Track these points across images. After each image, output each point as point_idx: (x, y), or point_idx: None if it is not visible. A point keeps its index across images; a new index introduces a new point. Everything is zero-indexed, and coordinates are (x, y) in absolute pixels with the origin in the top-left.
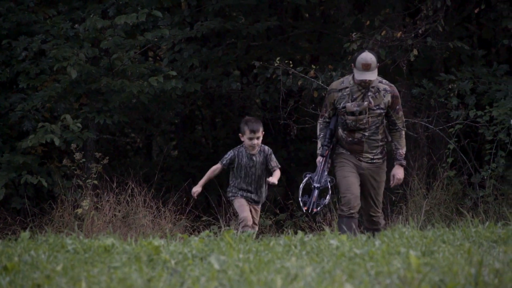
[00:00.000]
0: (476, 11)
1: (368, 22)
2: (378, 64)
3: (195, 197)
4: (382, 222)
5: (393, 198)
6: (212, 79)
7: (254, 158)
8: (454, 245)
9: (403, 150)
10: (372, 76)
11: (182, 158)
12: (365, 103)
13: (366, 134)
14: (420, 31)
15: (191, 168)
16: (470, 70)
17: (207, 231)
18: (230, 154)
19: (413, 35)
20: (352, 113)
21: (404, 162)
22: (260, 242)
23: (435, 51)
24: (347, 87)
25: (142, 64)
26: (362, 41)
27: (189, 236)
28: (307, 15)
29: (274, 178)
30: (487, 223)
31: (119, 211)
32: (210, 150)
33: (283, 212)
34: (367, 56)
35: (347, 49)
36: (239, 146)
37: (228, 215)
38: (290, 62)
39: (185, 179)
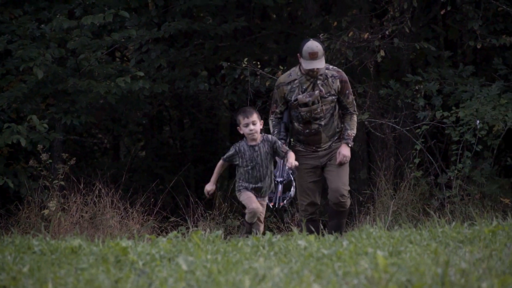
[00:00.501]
0: (442, 12)
1: (335, 23)
2: (324, 51)
3: (209, 196)
4: (348, 203)
5: (361, 198)
6: (179, 79)
7: (257, 148)
8: (421, 245)
9: (352, 132)
10: (320, 64)
11: (150, 159)
12: (316, 92)
13: (323, 123)
14: (387, 32)
15: (158, 169)
16: (436, 71)
17: (175, 232)
18: (231, 151)
19: (380, 36)
20: (305, 104)
21: (351, 143)
22: (228, 242)
23: (402, 52)
24: (295, 79)
25: (109, 64)
26: (329, 42)
27: (157, 237)
28: (274, 16)
29: (291, 159)
30: (454, 223)
31: (86, 212)
32: (178, 150)
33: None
34: (313, 45)
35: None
36: (240, 141)
37: (196, 216)
38: (258, 62)
39: (153, 179)
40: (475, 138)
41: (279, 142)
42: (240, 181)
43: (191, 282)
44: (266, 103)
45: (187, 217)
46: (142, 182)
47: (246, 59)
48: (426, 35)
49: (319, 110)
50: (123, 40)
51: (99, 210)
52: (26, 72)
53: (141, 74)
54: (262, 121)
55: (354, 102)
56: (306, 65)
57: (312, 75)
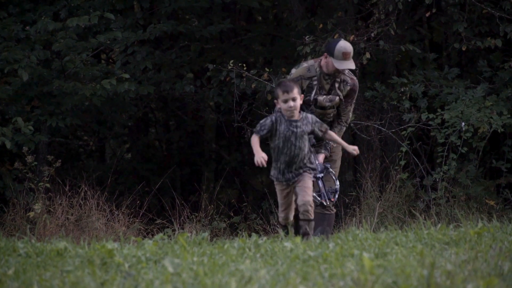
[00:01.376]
0: (427, 14)
1: (321, 25)
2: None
3: (264, 164)
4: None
5: (347, 200)
6: (165, 81)
7: (295, 124)
8: (407, 247)
9: (335, 144)
10: (352, 65)
11: (136, 161)
12: (337, 98)
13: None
14: (372, 35)
15: (144, 171)
16: (421, 73)
17: (161, 234)
18: (267, 120)
19: (365, 38)
20: (323, 108)
21: (328, 154)
22: (214, 245)
23: (387, 54)
24: (314, 76)
25: (95, 66)
26: (315, 44)
27: (143, 239)
28: (260, 18)
29: (344, 143)
30: (439, 225)
31: (72, 215)
32: (164, 152)
33: (237, 214)
34: (346, 45)
35: (300, 52)
36: (277, 111)
37: (182, 218)
38: (244, 65)
39: (138, 182)
40: (461, 140)
41: (319, 122)
42: (272, 166)
43: (177, 284)
44: (252, 105)
45: (173, 219)
46: (127, 184)
47: (232, 61)
48: (412, 37)
49: (331, 115)
50: (108, 42)
51: (85, 213)
52: (11, 74)
53: (127, 76)
54: (302, 95)
55: (351, 115)
56: (339, 65)
57: (337, 75)
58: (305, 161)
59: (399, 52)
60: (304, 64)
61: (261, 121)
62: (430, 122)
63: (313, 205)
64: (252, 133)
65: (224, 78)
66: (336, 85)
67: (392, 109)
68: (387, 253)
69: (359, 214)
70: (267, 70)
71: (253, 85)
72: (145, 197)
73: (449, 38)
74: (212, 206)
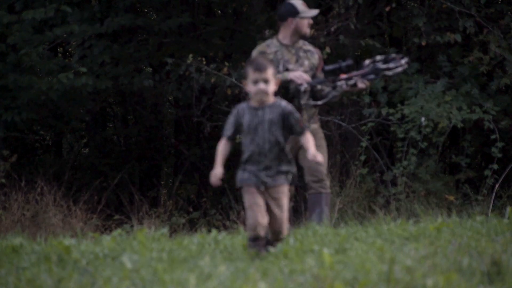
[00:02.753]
0: (387, 9)
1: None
2: None
3: (217, 183)
4: (328, 184)
5: (307, 195)
6: (123, 76)
7: (260, 113)
8: (367, 243)
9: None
10: (316, 12)
11: (94, 156)
12: (306, 62)
13: (304, 100)
14: (332, 29)
15: (102, 166)
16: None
17: (119, 230)
18: (230, 118)
19: (325, 33)
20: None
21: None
22: (173, 241)
23: (347, 48)
24: (277, 51)
25: (51, 60)
26: None
27: (100, 235)
28: (219, 12)
29: (311, 148)
30: (399, 220)
31: (28, 210)
32: (122, 147)
33: (197, 210)
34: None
35: None
36: (242, 102)
37: (141, 213)
38: (203, 59)
39: (96, 177)
40: (420, 135)
41: (297, 116)
42: (240, 164)
43: (135, 281)
44: (211, 99)
45: (131, 215)
46: (85, 180)
47: (191, 55)
48: (371, 32)
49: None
50: (65, 35)
51: (41, 208)
52: None
53: (84, 70)
54: (278, 80)
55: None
56: (311, 13)
57: (305, 35)
58: (278, 161)
59: (359, 47)
60: (262, 43)
61: (228, 120)
62: (390, 117)
63: (285, 226)
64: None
65: (183, 73)
66: (301, 54)
67: (352, 104)
68: (347, 249)
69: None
70: (227, 64)
71: (212, 80)
72: (103, 193)
73: (409, 32)
74: (171, 201)
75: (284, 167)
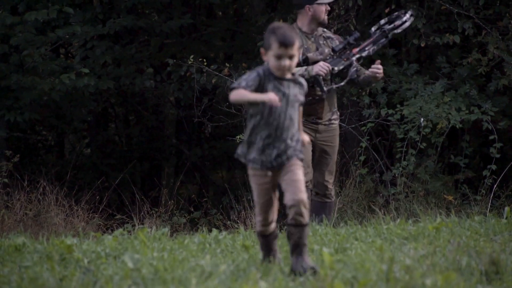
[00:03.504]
0: (386, 11)
1: (281, 21)
2: None
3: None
4: (333, 192)
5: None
6: (125, 76)
7: (287, 84)
8: (366, 242)
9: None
10: None
11: (95, 156)
12: (326, 49)
13: (326, 89)
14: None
15: (104, 166)
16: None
17: (120, 230)
18: (252, 74)
19: None
20: (316, 63)
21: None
22: (174, 240)
23: None
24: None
25: (54, 61)
26: None
27: (102, 234)
28: (220, 13)
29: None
30: (398, 220)
31: (31, 210)
32: (124, 148)
33: (198, 210)
34: None
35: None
36: (264, 65)
37: (142, 213)
38: (204, 60)
39: (98, 177)
40: (419, 136)
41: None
42: (243, 143)
43: (137, 280)
44: (212, 100)
45: (133, 215)
46: (87, 180)
47: (192, 56)
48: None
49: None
50: (67, 36)
51: (44, 208)
52: None
53: (86, 70)
54: (301, 51)
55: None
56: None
57: (324, 22)
58: (294, 140)
59: None
60: None
61: (244, 76)
62: (389, 118)
63: (307, 204)
64: (211, 128)
65: (184, 73)
66: (321, 41)
67: (352, 105)
68: (346, 248)
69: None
70: (228, 65)
71: (213, 80)
72: (104, 192)
73: (408, 34)
74: (172, 201)
75: (297, 145)
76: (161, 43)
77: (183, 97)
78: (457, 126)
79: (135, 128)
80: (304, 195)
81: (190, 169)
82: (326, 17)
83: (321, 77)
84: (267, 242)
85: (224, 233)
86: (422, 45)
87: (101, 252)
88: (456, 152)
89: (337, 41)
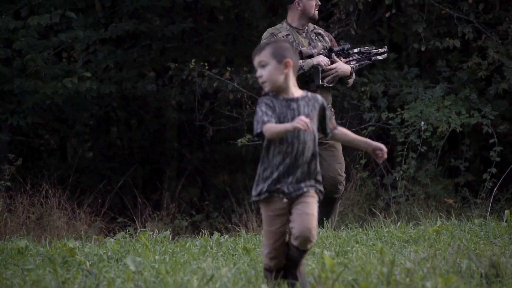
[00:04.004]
0: (387, 15)
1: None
2: None
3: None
4: (342, 187)
5: None
6: (127, 80)
7: (293, 105)
8: (367, 245)
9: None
10: None
11: (97, 160)
12: (320, 44)
13: (324, 83)
14: (333, 34)
15: (106, 170)
16: (382, 73)
17: (122, 233)
18: (261, 106)
19: None
20: (310, 57)
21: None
22: (176, 243)
23: None
24: (288, 34)
25: (56, 65)
26: None
27: (104, 237)
28: (221, 17)
29: (374, 143)
30: (399, 223)
31: (33, 213)
32: (126, 151)
33: (199, 213)
34: None
35: None
36: (262, 93)
37: (144, 216)
38: (206, 64)
39: (100, 180)
40: (420, 139)
41: (330, 111)
42: (257, 176)
43: (139, 282)
44: (213, 104)
45: (134, 218)
46: (89, 183)
47: (193, 60)
48: (372, 37)
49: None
50: (70, 40)
51: (46, 211)
52: None
53: (88, 74)
54: (289, 61)
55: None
56: None
57: (314, 17)
58: (312, 166)
59: None
60: (271, 27)
61: (258, 112)
62: (390, 122)
63: (315, 236)
64: (212, 131)
65: (186, 77)
66: (313, 37)
67: (353, 109)
68: (347, 251)
69: (320, 213)
70: (229, 69)
71: (215, 84)
72: (106, 196)
73: (409, 38)
74: (174, 204)
75: (314, 177)
76: (162, 47)
77: (184, 101)
78: (457, 130)
79: (137, 132)
80: (314, 231)
81: (192, 172)
82: (316, 12)
83: (320, 69)
84: (277, 276)
85: (225, 236)
86: (423, 49)
87: (103, 255)
88: (456, 155)
89: (327, 38)
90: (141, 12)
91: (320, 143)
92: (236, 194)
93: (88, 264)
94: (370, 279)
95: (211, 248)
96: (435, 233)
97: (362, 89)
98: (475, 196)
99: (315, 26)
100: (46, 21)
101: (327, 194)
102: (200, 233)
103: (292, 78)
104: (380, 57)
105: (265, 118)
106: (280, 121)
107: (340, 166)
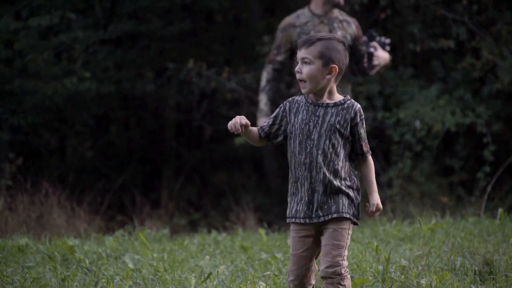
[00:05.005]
0: (383, 16)
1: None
2: None
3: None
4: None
5: None
6: (126, 80)
7: (320, 111)
8: (363, 243)
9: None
10: None
11: (97, 159)
12: (339, 32)
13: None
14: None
15: (105, 169)
16: (377, 73)
17: (121, 231)
18: (280, 106)
19: None
20: None
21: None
22: (174, 241)
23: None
24: (307, 21)
25: (56, 65)
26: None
27: (103, 236)
28: (220, 18)
29: (378, 200)
30: (394, 221)
31: (33, 212)
32: (125, 151)
33: (197, 211)
34: None
35: (260, 52)
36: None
37: (143, 215)
38: (204, 64)
39: (99, 179)
40: (415, 139)
41: (363, 123)
42: (289, 202)
43: (137, 280)
44: (212, 104)
45: (133, 216)
46: (89, 182)
47: (192, 60)
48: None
49: None
50: (69, 41)
51: (46, 210)
52: None
53: (88, 75)
54: (335, 67)
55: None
56: None
57: (339, 3)
58: (340, 181)
59: None
60: (292, 14)
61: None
62: (386, 121)
63: (346, 267)
64: (210, 131)
65: (184, 77)
66: (335, 24)
67: None
68: None
69: None
70: (227, 69)
71: (213, 84)
72: (106, 195)
73: (404, 39)
74: (172, 203)
75: (346, 193)
76: (161, 47)
77: (183, 100)
78: (452, 129)
79: (136, 132)
80: (340, 258)
81: (190, 171)
82: (337, 5)
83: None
84: None
85: (223, 234)
86: (418, 50)
87: (102, 253)
88: (451, 154)
89: (353, 25)
90: (140, 13)
91: None
92: (233, 193)
93: (87, 261)
94: (366, 276)
95: (209, 246)
96: (430, 231)
97: (359, 88)
98: (469, 194)
99: (341, 12)
100: (47, 22)
101: None
102: (198, 231)
103: (332, 84)
104: (388, 48)
105: (264, 124)
106: (301, 127)
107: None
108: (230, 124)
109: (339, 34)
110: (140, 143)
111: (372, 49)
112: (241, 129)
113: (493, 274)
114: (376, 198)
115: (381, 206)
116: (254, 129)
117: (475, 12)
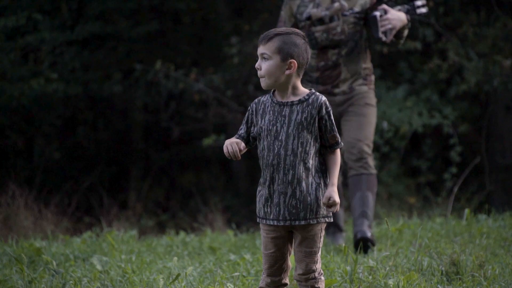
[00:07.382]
0: None
1: (247, 27)
2: None
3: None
4: (371, 163)
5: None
6: (93, 81)
7: (286, 110)
8: (331, 244)
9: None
10: None
11: (64, 160)
12: (336, 4)
13: (343, 52)
14: None
15: (73, 170)
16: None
17: (89, 232)
18: (249, 109)
19: None
20: (321, 21)
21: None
22: (142, 242)
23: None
24: None
25: (23, 66)
26: (241, 45)
27: (71, 237)
28: (187, 19)
29: (333, 193)
30: None
31: (0, 213)
32: (92, 152)
33: (165, 212)
34: None
35: (227, 53)
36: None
37: (110, 216)
38: (171, 65)
39: (67, 180)
40: (383, 140)
41: (329, 115)
42: (258, 200)
43: (105, 282)
44: (179, 105)
45: (101, 218)
46: (56, 183)
47: (159, 61)
48: None
49: (339, 30)
50: (36, 42)
51: (13, 211)
52: None
53: (55, 76)
54: (294, 62)
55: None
56: None
57: None
58: (310, 180)
59: None
60: None
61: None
62: None
63: (320, 269)
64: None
65: (152, 78)
66: None
67: None
68: None
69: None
70: (194, 70)
71: (180, 85)
72: (73, 196)
73: (371, 40)
74: (140, 204)
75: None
76: (129, 48)
77: (150, 101)
78: (419, 130)
79: (103, 133)
80: (316, 264)
81: (158, 172)
82: None
83: (379, 18)
84: None
85: (191, 235)
86: (385, 51)
87: (70, 254)
88: (418, 155)
89: None
90: (107, 14)
91: (338, 124)
92: (201, 194)
93: (54, 263)
94: (334, 277)
95: (177, 248)
96: (397, 232)
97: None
98: (436, 195)
99: None
100: (13, 23)
101: (353, 169)
102: (166, 232)
103: (294, 79)
104: (424, 10)
105: (239, 132)
106: (269, 128)
107: (364, 136)
108: (229, 152)
109: (335, 5)
110: (107, 144)
111: (376, 13)
112: (239, 155)
113: (460, 274)
114: (330, 191)
115: (336, 199)
116: (240, 142)
117: (441, 14)
